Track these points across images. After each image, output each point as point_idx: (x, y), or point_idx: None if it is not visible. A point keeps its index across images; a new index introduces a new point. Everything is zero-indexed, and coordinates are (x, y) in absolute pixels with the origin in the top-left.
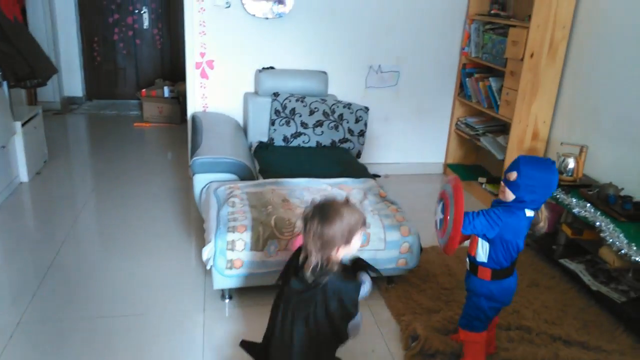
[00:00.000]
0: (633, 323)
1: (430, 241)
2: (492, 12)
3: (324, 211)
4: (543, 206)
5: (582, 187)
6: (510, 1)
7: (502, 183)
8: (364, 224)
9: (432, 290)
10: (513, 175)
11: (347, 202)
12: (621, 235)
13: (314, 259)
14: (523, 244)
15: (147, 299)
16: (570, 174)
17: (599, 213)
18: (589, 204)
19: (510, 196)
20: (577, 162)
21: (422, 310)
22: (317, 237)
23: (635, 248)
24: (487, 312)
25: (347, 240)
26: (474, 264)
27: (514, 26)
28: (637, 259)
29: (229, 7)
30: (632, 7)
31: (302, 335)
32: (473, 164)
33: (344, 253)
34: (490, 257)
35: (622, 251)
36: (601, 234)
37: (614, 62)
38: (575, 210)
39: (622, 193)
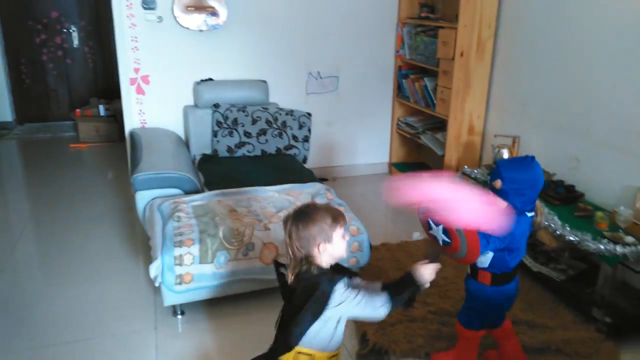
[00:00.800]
0: (572, 299)
1: (379, 239)
2: (422, 15)
3: (300, 211)
4: (538, 202)
5: None
6: (439, 3)
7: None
8: (342, 220)
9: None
10: (498, 184)
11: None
12: (555, 217)
13: (295, 261)
14: (525, 249)
15: (95, 323)
16: None
17: None
18: None
19: (502, 204)
20: (510, 152)
21: None
22: (295, 237)
23: (568, 229)
24: (482, 315)
25: (328, 238)
26: (475, 268)
27: (443, 27)
28: (571, 238)
29: (161, 21)
30: (549, 5)
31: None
32: (416, 161)
33: (328, 253)
34: (491, 263)
35: (558, 232)
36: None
37: (536, 56)
38: None
39: (554, 178)
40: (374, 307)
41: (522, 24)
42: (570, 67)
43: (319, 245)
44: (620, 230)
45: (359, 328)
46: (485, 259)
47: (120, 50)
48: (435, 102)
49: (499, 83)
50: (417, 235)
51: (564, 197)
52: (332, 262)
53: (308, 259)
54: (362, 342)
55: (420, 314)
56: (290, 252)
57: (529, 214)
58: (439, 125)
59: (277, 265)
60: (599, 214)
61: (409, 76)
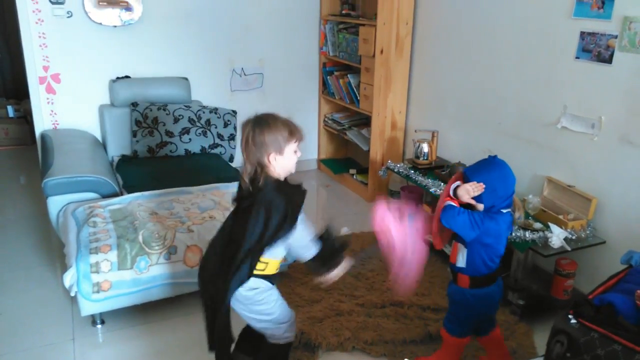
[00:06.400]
0: None
1: None
2: (343, 12)
3: (260, 118)
4: (515, 197)
5: (436, 168)
6: (359, 1)
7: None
8: (299, 136)
9: (312, 281)
10: None
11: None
12: None
13: (249, 165)
14: (504, 248)
15: (8, 336)
16: (425, 158)
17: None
18: (443, 183)
19: (480, 207)
20: (430, 146)
21: (304, 302)
22: (250, 142)
23: None
24: (464, 320)
25: (280, 150)
26: (455, 272)
27: (364, 25)
28: None
29: (70, 16)
30: (462, 4)
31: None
32: (344, 157)
33: (280, 165)
34: (468, 262)
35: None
36: None
37: (452, 54)
38: (432, 190)
39: None
40: (310, 243)
41: (437, 23)
42: (482, 64)
43: (269, 155)
44: (530, 218)
45: None
46: (462, 257)
47: (26, 48)
48: (359, 98)
49: (418, 79)
50: (346, 230)
51: None
52: (283, 175)
53: (261, 167)
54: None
55: (347, 308)
56: (245, 156)
57: (504, 211)
58: (364, 121)
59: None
60: None
61: (334, 73)
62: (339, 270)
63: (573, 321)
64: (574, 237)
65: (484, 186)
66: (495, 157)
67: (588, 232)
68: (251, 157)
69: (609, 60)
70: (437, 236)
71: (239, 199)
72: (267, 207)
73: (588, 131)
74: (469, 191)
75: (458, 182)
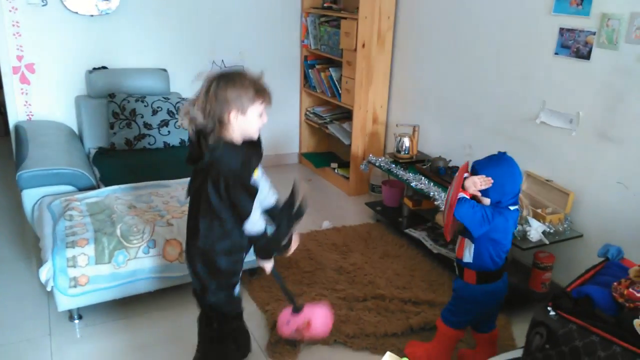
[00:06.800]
0: None
1: None
2: (325, 5)
3: (226, 72)
4: (521, 195)
5: (417, 162)
6: None
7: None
8: (265, 98)
9: (294, 275)
10: None
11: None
12: None
13: (205, 120)
14: (510, 244)
15: None
16: (407, 152)
17: (432, 184)
18: (423, 177)
19: (486, 201)
20: (411, 140)
21: (285, 297)
22: (212, 94)
23: None
24: (464, 312)
25: (242, 109)
26: (461, 267)
27: (345, 18)
28: None
29: (45, 5)
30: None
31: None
32: (325, 151)
33: (240, 126)
34: (475, 257)
35: (442, 209)
36: (435, 202)
37: (433, 49)
38: (413, 184)
39: (450, 164)
40: (258, 218)
41: (419, 17)
42: (463, 59)
43: (230, 112)
44: None
45: (269, 318)
46: (469, 253)
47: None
48: (340, 92)
49: (400, 74)
50: (327, 224)
51: None
52: (242, 138)
53: (220, 123)
54: (271, 332)
55: (329, 301)
56: (202, 109)
57: (512, 208)
58: (346, 115)
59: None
60: None
61: (315, 66)
62: (268, 265)
63: (552, 313)
64: (551, 231)
65: (492, 180)
66: (504, 153)
67: (565, 225)
68: (211, 112)
69: (587, 56)
70: (449, 227)
71: (191, 159)
72: (218, 166)
73: (566, 126)
74: (476, 183)
75: (466, 174)
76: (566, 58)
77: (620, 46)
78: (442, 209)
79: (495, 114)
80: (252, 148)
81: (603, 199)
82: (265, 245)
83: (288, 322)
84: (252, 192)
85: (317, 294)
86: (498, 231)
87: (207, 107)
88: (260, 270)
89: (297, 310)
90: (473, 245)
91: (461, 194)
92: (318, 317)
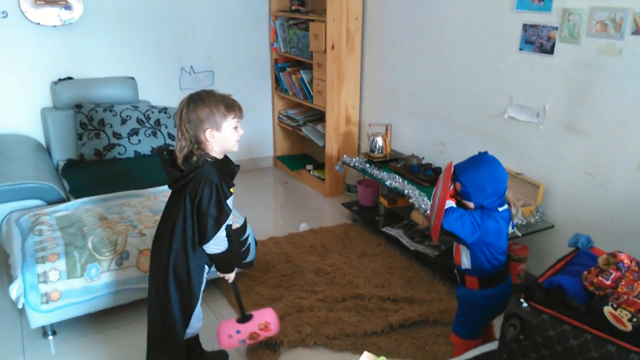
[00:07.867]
0: (446, 272)
1: (267, 233)
2: (293, 8)
3: (195, 94)
4: (508, 194)
5: (391, 161)
6: None
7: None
8: (236, 112)
9: (272, 279)
10: (458, 187)
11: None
12: (425, 198)
13: (184, 141)
14: (506, 244)
15: None
16: (380, 151)
17: (406, 182)
18: (397, 176)
19: (470, 205)
20: (384, 140)
21: (264, 301)
22: (184, 117)
23: None
24: (474, 321)
25: (217, 126)
26: (461, 274)
27: (314, 20)
28: None
29: (5, 17)
30: None
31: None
32: (300, 153)
33: (217, 142)
34: (472, 262)
35: (428, 212)
36: (410, 200)
37: (402, 48)
38: (388, 183)
39: (424, 162)
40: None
41: (386, 17)
42: (432, 57)
43: (205, 131)
44: None
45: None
46: (466, 259)
47: None
48: (312, 94)
49: (370, 74)
50: (304, 226)
51: (432, 179)
52: (222, 152)
53: (198, 143)
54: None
55: (308, 304)
56: (179, 132)
57: (501, 209)
58: (319, 116)
59: (159, 151)
60: None
61: (286, 69)
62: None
63: (525, 305)
64: (524, 223)
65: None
66: (485, 153)
67: (537, 217)
68: (185, 134)
69: (550, 51)
70: (437, 231)
71: (171, 181)
72: (197, 182)
73: (533, 120)
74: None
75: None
76: (530, 53)
77: (582, 40)
78: (428, 212)
79: (464, 110)
80: (229, 162)
81: (572, 189)
82: (229, 260)
83: (238, 332)
84: (225, 213)
85: (296, 297)
86: (490, 234)
87: (184, 129)
88: (237, 275)
89: (246, 318)
90: (469, 250)
91: (448, 203)
92: (271, 317)
